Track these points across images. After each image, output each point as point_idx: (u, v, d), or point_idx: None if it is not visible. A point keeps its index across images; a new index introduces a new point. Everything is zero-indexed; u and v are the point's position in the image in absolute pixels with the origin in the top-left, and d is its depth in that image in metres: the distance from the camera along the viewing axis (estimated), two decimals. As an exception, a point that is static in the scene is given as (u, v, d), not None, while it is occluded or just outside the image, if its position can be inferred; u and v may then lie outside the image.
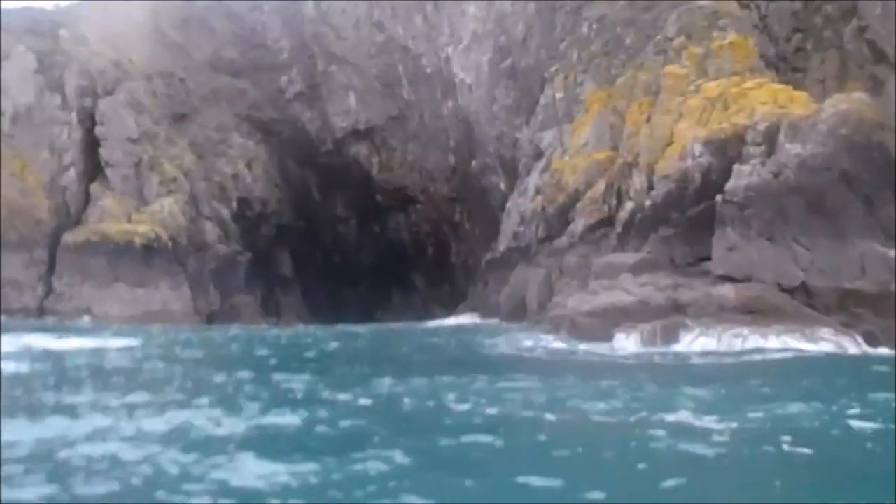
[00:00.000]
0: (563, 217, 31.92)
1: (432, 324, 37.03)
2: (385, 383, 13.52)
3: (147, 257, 37.64)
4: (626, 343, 21.37)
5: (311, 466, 7.39)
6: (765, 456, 8.32)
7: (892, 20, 33.69)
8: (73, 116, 40.11)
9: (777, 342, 20.32)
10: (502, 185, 43.64)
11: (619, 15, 38.38)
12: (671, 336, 21.12)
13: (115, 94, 41.16)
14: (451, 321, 37.89)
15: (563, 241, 30.57)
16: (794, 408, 10.94)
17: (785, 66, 35.99)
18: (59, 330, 28.86)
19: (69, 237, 37.91)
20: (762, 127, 26.83)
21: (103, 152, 39.95)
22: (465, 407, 10.95)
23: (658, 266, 25.78)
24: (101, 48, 42.87)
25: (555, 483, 7.12)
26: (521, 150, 40.74)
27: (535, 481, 7.14)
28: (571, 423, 10.16)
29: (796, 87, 34.15)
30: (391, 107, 50.17)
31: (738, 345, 20.30)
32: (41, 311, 36.75)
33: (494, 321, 33.21)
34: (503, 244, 36.74)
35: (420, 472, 7.52)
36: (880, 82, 33.07)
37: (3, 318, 34.29)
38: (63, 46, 41.65)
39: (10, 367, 15.87)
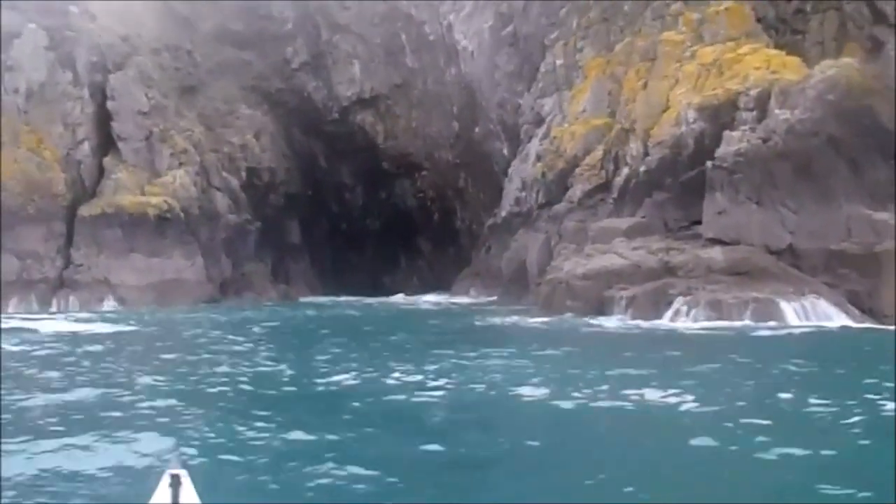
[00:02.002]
0: (562, 183, 32.83)
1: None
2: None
3: (160, 228, 38.78)
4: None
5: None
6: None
7: (891, -20, 34.16)
8: (85, 92, 41.01)
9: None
10: (505, 151, 44.47)
11: (618, -19, 38.86)
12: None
13: (124, 69, 42.00)
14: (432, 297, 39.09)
15: (562, 206, 31.53)
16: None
17: (784, 27, 36.46)
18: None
19: (85, 210, 39.02)
20: (754, 93, 27.62)
21: (115, 126, 40.92)
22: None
23: (652, 230, 26.80)
24: (110, 23, 43.61)
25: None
26: (523, 116, 41.46)
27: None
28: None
29: (795, 49, 34.75)
30: (395, 75, 50.87)
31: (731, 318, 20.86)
32: (61, 282, 38.03)
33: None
34: (505, 209, 37.72)
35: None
36: (879, 43, 33.68)
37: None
38: (73, 23, 42.39)
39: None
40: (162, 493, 3.79)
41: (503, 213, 37.94)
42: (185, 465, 3.87)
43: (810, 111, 25.17)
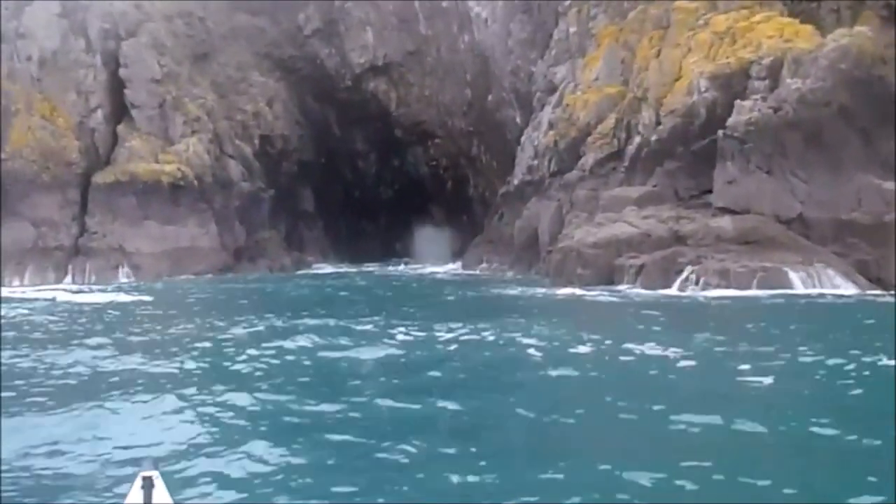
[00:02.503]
0: (574, 151, 32.84)
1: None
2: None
3: (174, 196, 39.08)
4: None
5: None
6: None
7: (909, -54, 33.69)
8: (98, 59, 41.14)
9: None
10: (518, 119, 44.37)
11: (631, -52, 38.46)
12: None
13: (137, 36, 42.06)
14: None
15: (573, 174, 31.57)
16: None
17: (800, -6, 36.12)
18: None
19: (99, 177, 39.34)
20: (766, 62, 27.48)
21: (128, 94, 41.08)
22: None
23: (663, 199, 26.86)
24: (121, -10, 43.68)
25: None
26: (536, 84, 41.30)
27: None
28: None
29: (811, 17, 34.41)
30: (408, 42, 50.63)
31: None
32: (76, 250, 38.47)
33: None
34: (517, 177, 37.77)
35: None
36: (896, 11, 33.31)
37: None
38: (85, -10, 42.51)
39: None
40: (135, 494, 3.81)
41: (515, 182, 38.00)
42: (157, 467, 3.92)
43: (822, 80, 25.06)
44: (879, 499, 5.84)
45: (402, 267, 44.72)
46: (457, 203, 51.37)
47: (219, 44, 46.77)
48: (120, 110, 41.57)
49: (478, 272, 35.97)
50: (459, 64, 49.66)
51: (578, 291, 22.34)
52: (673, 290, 21.18)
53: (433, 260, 44.51)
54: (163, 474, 3.96)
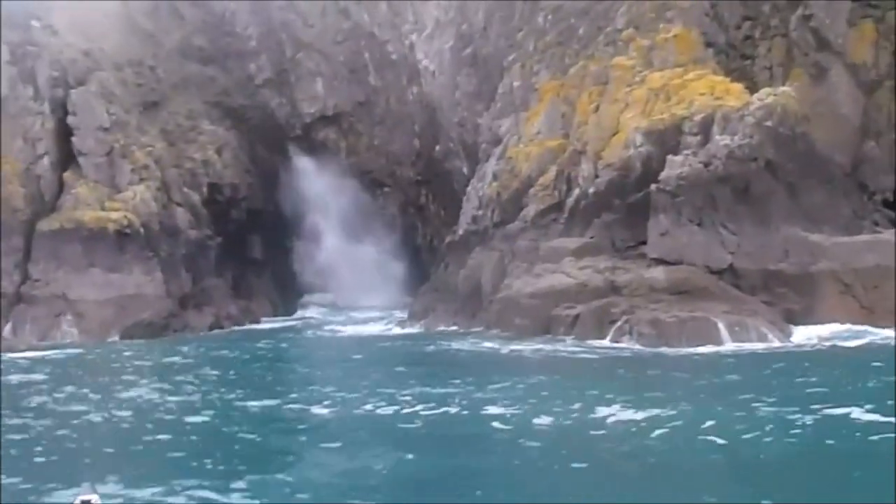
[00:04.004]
0: (516, 202, 33.64)
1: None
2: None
3: (120, 243, 38.88)
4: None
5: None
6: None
7: (835, 8, 35.62)
8: (46, 107, 41.06)
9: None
10: (465, 170, 45.29)
11: (573, 6, 39.94)
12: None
13: (86, 85, 42.11)
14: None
15: (515, 225, 32.31)
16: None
17: (734, 53, 37.71)
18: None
19: (44, 224, 39.02)
20: (698, 118, 28.73)
21: (76, 141, 40.99)
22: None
23: (600, 250, 27.67)
24: (72, 38, 43.74)
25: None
26: (482, 135, 42.32)
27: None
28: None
29: (745, 74, 36.01)
30: (358, 92, 51.53)
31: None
32: (18, 298, 37.99)
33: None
34: (462, 227, 38.42)
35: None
36: (824, 69, 35.06)
37: None
38: (35, 37, 42.48)
39: None
40: None
41: (460, 231, 38.64)
42: (95, 490, 4.14)
43: (749, 137, 26.30)
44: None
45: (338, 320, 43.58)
46: (405, 251, 51.86)
47: (169, 92, 47.02)
48: (67, 158, 41.41)
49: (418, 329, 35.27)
50: (408, 115, 50.66)
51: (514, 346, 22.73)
52: (606, 341, 21.79)
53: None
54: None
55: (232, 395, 17.36)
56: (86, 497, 3.92)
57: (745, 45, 37.27)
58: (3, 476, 9.95)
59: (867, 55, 33.93)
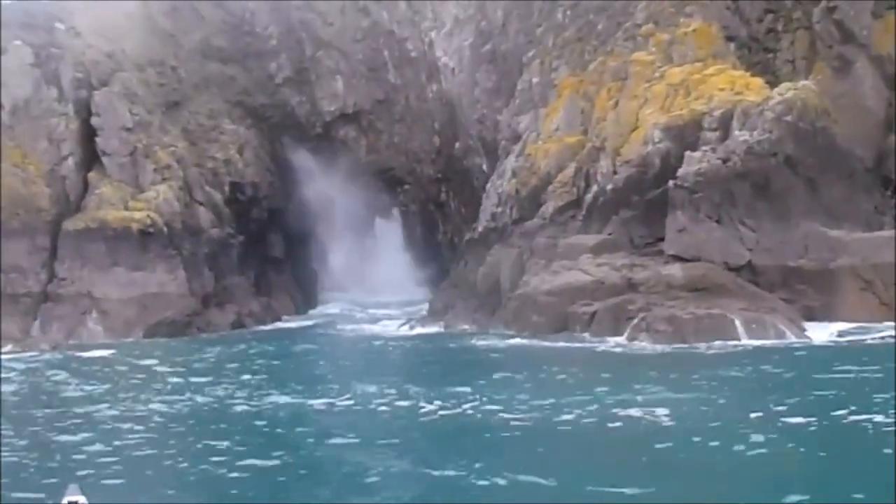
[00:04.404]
0: (535, 199, 33.62)
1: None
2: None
3: (144, 242, 39.33)
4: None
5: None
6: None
7: (859, 0, 35.25)
8: (70, 108, 41.58)
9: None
10: (484, 167, 45.29)
11: (592, 2, 39.81)
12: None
13: (109, 86, 42.58)
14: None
15: (534, 222, 32.30)
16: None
17: (757, 46, 37.42)
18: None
19: (69, 224, 39.56)
20: (717, 113, 28.57)
21: (100, 142, 41.48)
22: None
23: (618, 247, 27.60)
24: (94, 40, 44.26)
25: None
26: (501, 132, 42.29)
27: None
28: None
29: (767, 68, 35.73)
30: (377, 90, 51.68)
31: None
32: (45, 296, 38.57)
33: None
34: (482, 224, 38.45)
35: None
36: (848, 62, 34.71)
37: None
38: (58, 39, 43.02)
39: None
40: None
41: (480, 228, 38.66)
42: (82, 492, 4.17)
43: (769, 132, 26.12)
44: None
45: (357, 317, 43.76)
46: (426, 248, 52.00)
47: (190, 92, 47.42)
48: (91, 158, 41.93)
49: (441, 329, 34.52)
50: (428, 112, 50.74)
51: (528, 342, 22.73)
52: (622, 339, 21.77)
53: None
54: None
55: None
56: (73, 498, 3.97)
57: (768, 39, 36.95)
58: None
59: (892, 47, 33.55)
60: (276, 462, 11.36)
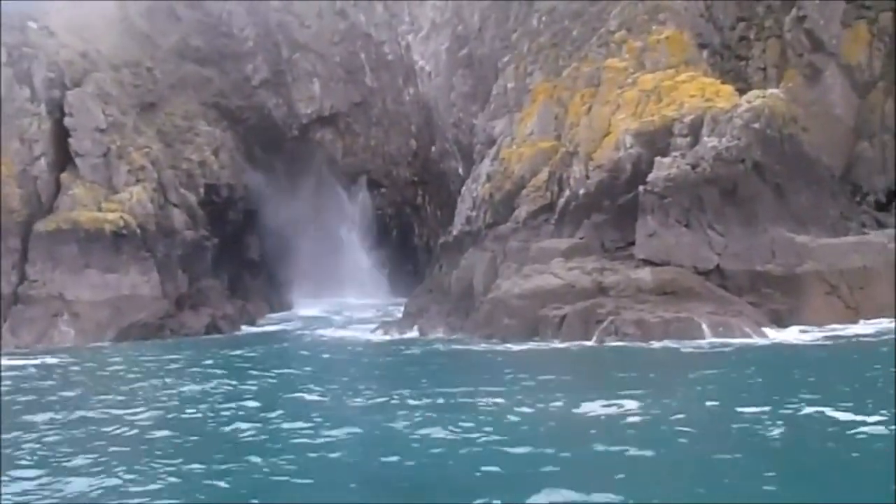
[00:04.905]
0: (509, 203, 33.78)
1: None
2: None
3: (117, 244, 39.09)
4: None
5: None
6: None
7: (829, 9, 35.81)
8: (43, 108, 41.27)
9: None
10: (460, 170, 45.47)
11: (567, 8, 40.10)
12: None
13: (82, 86, 42.32)
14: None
15: (507, 226, 32.45)
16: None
17: (729, 53, 37.95)
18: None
19: (41, 225, 39.25)
20: (688, 120, 28.89)
21: (73, 143, 41.20)
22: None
23: (589, 251, 27.83)
24: (68, 39, 44.02)
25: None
26: (477, 136, 42.48)
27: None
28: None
29: (740, 75, 36.21)
30: (354, 93, 51.85)
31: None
32: (16, 298, 38.25)
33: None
34: (457, 228, 38.57)
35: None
36: (818, 70, 35.30)
37: None
38: (31, 38, 42.70)
39: None
40: None
41: (454, 232, 38.78)
42: None
43: (737, 139, 26.46)
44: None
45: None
46: (402, 251, 52.14)
47: (166, 93, 47.26)
48: (64, 159, 41.63)
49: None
50: (405, 115, 50.96)
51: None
52: (591, 342, 21.99)
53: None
54: None
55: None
56: None
57: (740, 46, 37.50)
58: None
59: (861, 56, 34.16)
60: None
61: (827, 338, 21.23)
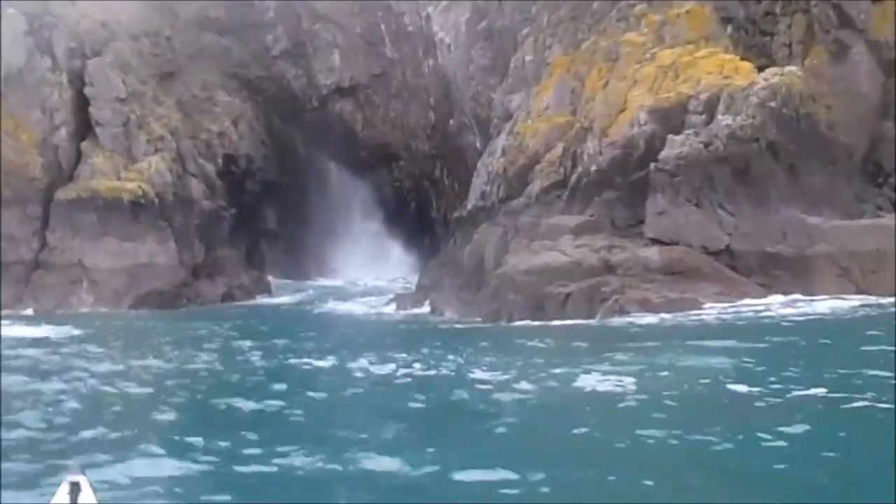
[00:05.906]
0: (522, 178, 33.57)
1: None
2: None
3: (135, 213, 39.54)
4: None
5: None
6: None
7: (858, -16, 34.93)
8: (64, 77, 41.64)
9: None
10: (478, 144, 45.36)
11: (587, -20, 39.48)
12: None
13: (102, 56, 42.63)
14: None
15: (520, 201, 32.26)
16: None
17: (754, 29, 37.13)
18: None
19: (61, 194, 39.76)
20: (704, 97, 28.46)
21: (93, 112, 41.57)
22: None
23: (599, 228, 27.61)
24: (89, 9, 44.20)
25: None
26: (495, 110, 42.23)
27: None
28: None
29: (764, 51, 35.49)
30: (374, 65, 51.65)
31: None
32: (36, 264, 38.88)
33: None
34: (471, 202, 38.47)
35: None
36: (845, 47, 34.47)
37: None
38: (52, 8, 42.95)
39: None
40: (61, 496, 3.83)
41: (469, 206, 38.68)
42: (84, 472, 4.07)
43: (752, 117, 26.05)
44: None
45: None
46: (419, 224, 52.16)
47: (185, 63, 47.43)
48: (84, 128, 42.05)
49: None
50: (424, 87, 50.78)
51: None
52: (595, 321, 21.93)
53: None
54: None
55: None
56: (73, 478, 3.96)
57: (765, 21, 36.59)
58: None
59: (889, 33, 33.35)
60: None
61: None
